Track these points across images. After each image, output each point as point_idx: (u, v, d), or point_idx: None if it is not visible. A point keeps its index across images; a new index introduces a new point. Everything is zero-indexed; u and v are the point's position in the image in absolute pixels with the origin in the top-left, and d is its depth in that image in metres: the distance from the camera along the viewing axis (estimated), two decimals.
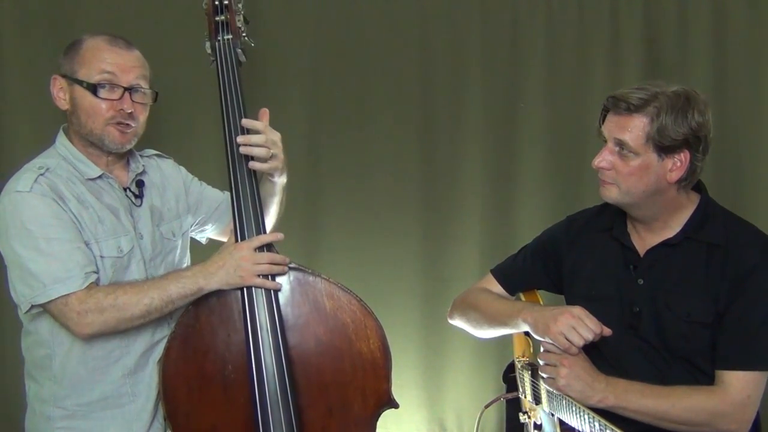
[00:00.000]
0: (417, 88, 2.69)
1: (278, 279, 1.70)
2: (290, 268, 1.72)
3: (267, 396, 1.64)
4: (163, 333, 1.77)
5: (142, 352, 1.75)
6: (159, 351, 1.75)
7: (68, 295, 1.61)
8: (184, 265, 1.93)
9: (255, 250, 1.68)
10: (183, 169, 2.01)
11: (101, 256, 1.70)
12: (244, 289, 1.68)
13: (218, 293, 1.69)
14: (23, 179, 1.67)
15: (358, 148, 2.69)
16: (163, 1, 2.58)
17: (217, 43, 1.83)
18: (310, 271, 1.73)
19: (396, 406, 1.74)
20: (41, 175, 1.68)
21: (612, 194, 1.67)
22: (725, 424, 1.59)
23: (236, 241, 1.72)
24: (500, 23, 2.69)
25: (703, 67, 2.66)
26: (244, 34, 1.86)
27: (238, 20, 1.85)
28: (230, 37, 1.83)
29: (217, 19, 1.83)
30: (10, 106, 2.53)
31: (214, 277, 1.66)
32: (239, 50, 1.84)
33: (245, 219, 1.73)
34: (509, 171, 2.72)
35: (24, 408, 1.81)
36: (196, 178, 2.03)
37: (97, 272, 1.67)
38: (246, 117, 1.77)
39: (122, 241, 1.73)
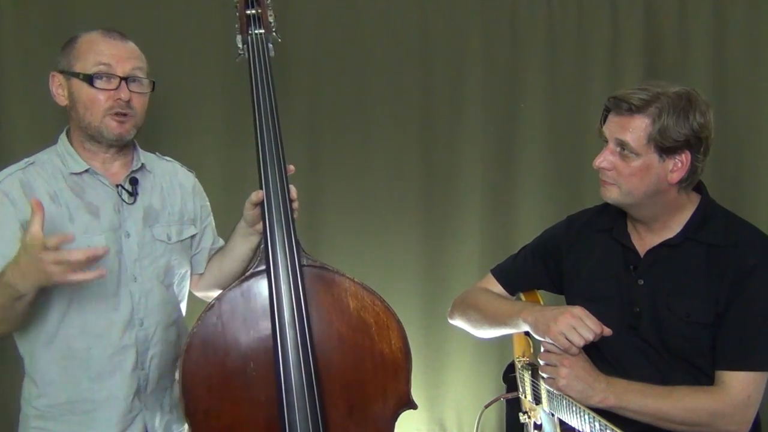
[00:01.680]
0: (417, 89, 2.69)
1: (307, 278, 1.68)
2: (315, 267, 1.70)
3: (293, 394, 1.62)
4: (131, 339, 1.74)
5: (106, 357, 1.72)
6: (130, 360, 1.74)
7: None
8: (182, 272, 1.89)
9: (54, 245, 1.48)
10: (205, 196, 1.99)
11: None
12: (271, 286, 1.65)
13: (242, 290, 1.67)
14: (2, 172, 1.71)
15: (358, 148, 2.69)
16: (163, 1, 2.58)
17: (249, 38, 1.81)
18: (334, 270, 1.72)
19: (415, 407, 1.73)
20: (21, 169, 1.71)
21: (613, 195, 1.67)
22: (725, 424, 1.59)
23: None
24: (500, 23, 2.69)
25: (703, 67, 2.67)
26: (273, 29, 1.84)
27: (270, 14, 1.83)
28: (262, 31, 1.82)
29: (249, 12, 1.82)
30: (10, 105, 2.52)
31: (28, 281, 1.51)
32: (270, 45, 1.82)
33: (275, 219, 1.70)
34: (509, 171, 2.72)
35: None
36: (209, 213, 2.00)
37: None
38: (277, 115, 1.76)
39: (94, 240, 1.70)
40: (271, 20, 1.84)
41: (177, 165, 1.96)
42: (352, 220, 2.69)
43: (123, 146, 1.80)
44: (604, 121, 1.68)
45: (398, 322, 1.71)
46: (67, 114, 1.78)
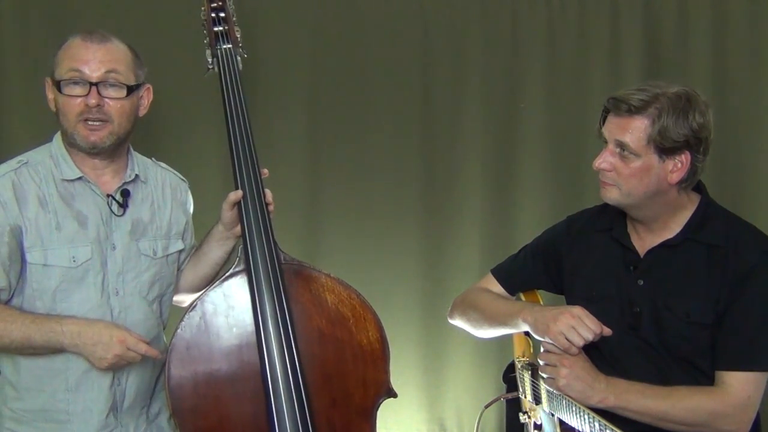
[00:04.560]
0: (417, 90, 2.70)
1: (286, 275, 1.71)
2: (293, 264, 1.75)
3: (280, 389, 1.65)
4: None
5: (84, 370, 1.69)
6: (108, 375, 1.72)
7: None
8: (166, 287, 1.85)
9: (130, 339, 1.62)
10: (191, 208, 1.96)
11: (44, 265, 1.66)
12: (252, 284, 1.69)
13: (224, 290, 1.70)
14: None
15: (358, 150, 2.69)
16: (163, 4, 2.58)
17: (218, 52, 1.85)
18: (311, 267, 1.78)
19: (395, 395, 1.78)
20: (13, 170, 1.68)
21: (612, 195, 1.67)
22: (725, 424, 1.60)
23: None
24: (500, 23, 2.69)
25: (703, 67, 2.67)
26: (240, 45, 1.89)
27: (237, 30, 1.88)
28: (230, 46, 1.86)
29: (216, 29, 1.87)
30: (10, 106, 2.53)
31: (80, 349, 1.62)
32: (238, 58, 1.86)
33: (252, 218, 1.74)
34: (509, 172, 2.72)
35: None
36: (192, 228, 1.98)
37: (7, 289, 1.66)
38: (248, 123, 1.79)
39: (79, 251, 1.68)
40: (238, 35, 1.89)
41: (172, 174, 1.92)
42: (353, 221, 2.70)
43: (112, 154, 1.75)
44: (604, 122, 1.68)
45: (374, 313, 1.77)
46: None
